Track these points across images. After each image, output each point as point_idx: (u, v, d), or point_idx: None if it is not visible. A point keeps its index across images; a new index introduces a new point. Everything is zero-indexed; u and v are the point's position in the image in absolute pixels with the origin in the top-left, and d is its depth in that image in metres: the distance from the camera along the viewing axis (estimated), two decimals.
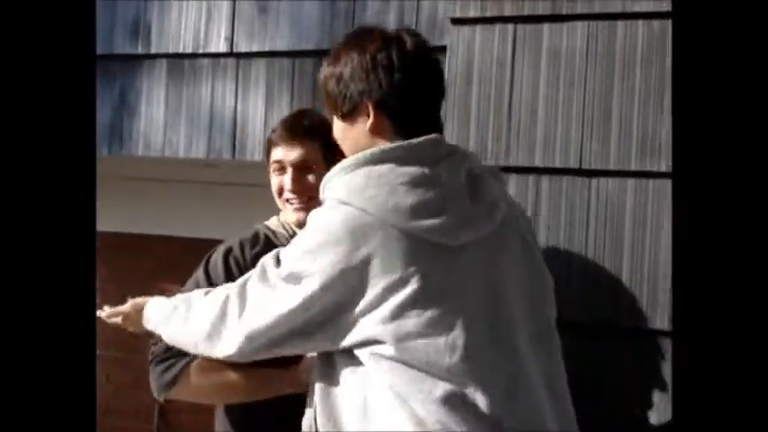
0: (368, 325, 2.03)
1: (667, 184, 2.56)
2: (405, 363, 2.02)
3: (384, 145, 2.12)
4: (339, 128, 2.24)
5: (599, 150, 2.64)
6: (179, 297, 2.39)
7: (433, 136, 2.15)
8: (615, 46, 2.63)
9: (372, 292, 2.02)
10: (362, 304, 2.03)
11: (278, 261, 2.16)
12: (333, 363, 2.12)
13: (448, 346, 2.02)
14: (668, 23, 2.56)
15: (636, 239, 2.60)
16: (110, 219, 4.58)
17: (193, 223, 4.37)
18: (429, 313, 2.02)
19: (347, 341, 2.06)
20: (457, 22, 2.81)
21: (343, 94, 2.18)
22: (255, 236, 2.61)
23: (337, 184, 2.11)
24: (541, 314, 2.21)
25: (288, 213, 2.60)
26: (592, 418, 2.30)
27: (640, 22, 2.60)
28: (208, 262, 2.58)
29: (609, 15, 2.63)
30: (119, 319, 2.54)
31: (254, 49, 3.45)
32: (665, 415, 2.50)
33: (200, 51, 3.54)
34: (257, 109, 3.45)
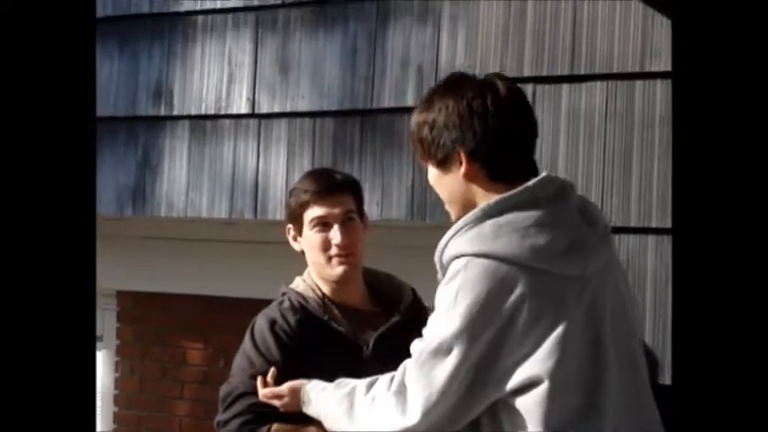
0: (528, 368, 2.02)
1: None
2: (555, 411, 2.01)
3: (499, 195, 2.10)
4: (433, 175, 2.22)
5: (620, 207, 2.65)
6: (340, 391, 2.29)
7: (543, 175, 2.14)
8: (634, 104, 2.66)
9: (529, 337, 2.01)
10: (519, 350, 2.02)
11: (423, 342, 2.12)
12: (476, 427, 2.11)
13: (596, 381, 2.04)
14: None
15: (658, 295, 2.60)
16: (132, 278, 4.61)
17: (215, 281, 4.39)
18: (579, 349, 2.03)
19: (510, 387, 2.03)
20: None
21: (437, 142, 2.16)
22: (291, 304, 2.61)
23: (462, 241, 2.09)
24: (635, 339, 2.23)
25: (332, 269, 2.60)
26: None
27: (658, 82, 2.63)
28: (254, 337, 2.57)
29: (627, 75, 2.66)
30: (277, 401, 2.46)
31: (276, 109, 3.49)
32: None
33: (223, 112, 3.59)
34: (279, 169, 3.49)
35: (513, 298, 2.01)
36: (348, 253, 2.59)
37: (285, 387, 2.43)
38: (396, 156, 3.39)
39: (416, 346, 2.12)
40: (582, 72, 2.71)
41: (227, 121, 3.59)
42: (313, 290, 2.63)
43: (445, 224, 3.36)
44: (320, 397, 2.33)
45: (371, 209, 3.25)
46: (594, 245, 2.12)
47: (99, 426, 4.80)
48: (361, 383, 2.24)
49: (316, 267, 2.65)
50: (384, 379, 2.18)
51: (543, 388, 2.00)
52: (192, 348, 4.64)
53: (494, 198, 2.10)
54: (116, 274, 4.40)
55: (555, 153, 2.73)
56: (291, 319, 2.57)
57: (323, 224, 2.60)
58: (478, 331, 2.02)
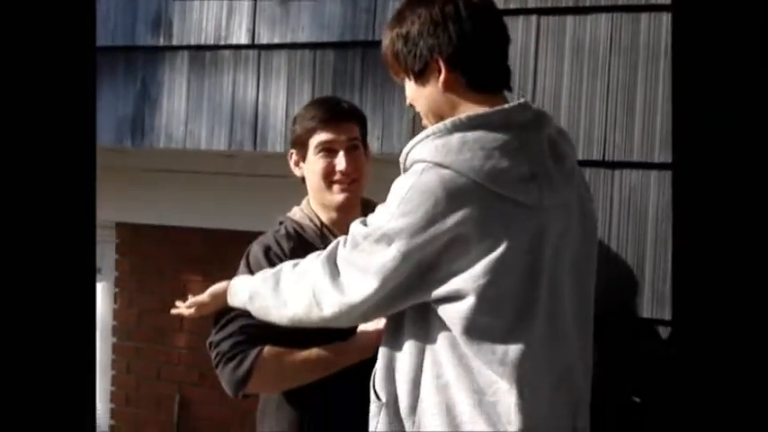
0: (458, 281, 2.05)
1: None
2: (478, 326, 2.05)
3: (474, 111, 2.10)
4: (411, 89, 2.20)
5: (622, 142, 2.64)
6: (265, 273, 2.39)
7: (521, 101, 2.15)
8: (639, 38, 2.63)
9: (468, 253, 2.04)
10: (456, 263, 2.05)
11: (366, 226, 2.15)
12: (401, 328, 2.15)
13: (526, 311, 2.08)
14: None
15: (659, 231, 2.60)
16: (131, 210, 4.61)
17: (214, 214, 4.39)
18: (516, 273, 2.06)
19: (435, 294, 2.08)
20: None
21: (413, 53, 2.15)
22: (287, 231, 2.63)
23: (428, 147, 2.08)
24: (589, 292, 2.25)
25: (333, 195, 2.61)
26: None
27: (664, 15, 2.59)
28: (249, 262, 2.58)
29: (632, 7, 2.63)
30: (193, 310, 2.57)
31: (276, 41, 3.46)
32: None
33: (222, 43, 3.56)
34: (279, 101, 3.47)
35: (462, 211, 2.03)
36: (351, 180, 2.60)
37: (206, 294, 2.54)
38: (397, 89, 3.34)
39: (358, 230, 2.15)
40: (587, 4, 2.67)
41: (227, 52, 3.56)
42: (310, 218, 2.65)
43: None
44: (246, 283, 2.40)
45: (372, 142, 3.23)
46: (556, 180, 2.13)
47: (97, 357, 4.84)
48: (285, 264, 2.33)
49: (316, 194, 2.65)
50: (311, 257, 2.25)
51: (469, 303, 2.04)
52: (191, 281, 4.65)
53: (470, 110, 2.11)
54: (115, 205, 4.40)
55: (558, 86, 2.71)
56: (286, 245, 2.58)
57: (328, 150, 2.60)
58: (422, 233, 2.04)
